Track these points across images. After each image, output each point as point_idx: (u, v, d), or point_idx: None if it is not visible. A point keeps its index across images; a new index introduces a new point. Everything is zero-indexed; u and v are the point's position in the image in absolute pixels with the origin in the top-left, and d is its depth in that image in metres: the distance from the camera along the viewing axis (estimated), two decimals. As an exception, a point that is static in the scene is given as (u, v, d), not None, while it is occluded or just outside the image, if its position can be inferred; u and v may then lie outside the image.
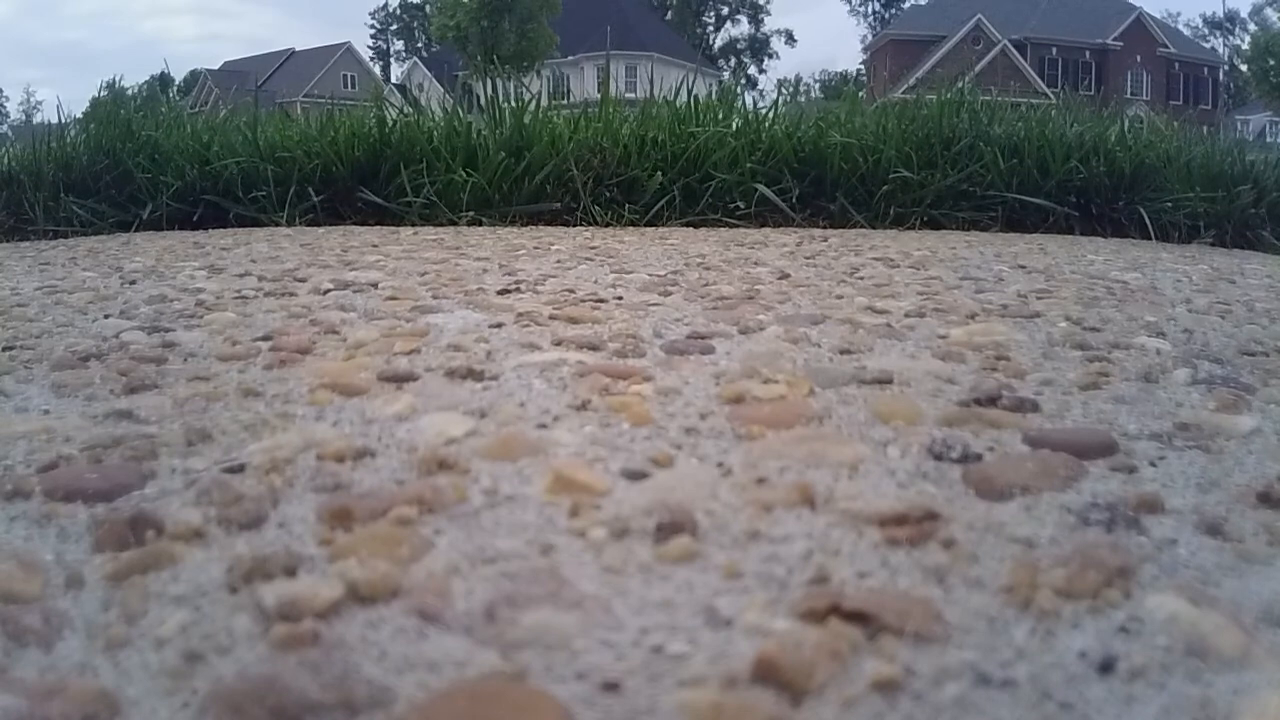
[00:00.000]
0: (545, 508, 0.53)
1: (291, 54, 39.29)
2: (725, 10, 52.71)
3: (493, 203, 2.83)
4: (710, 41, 52.42)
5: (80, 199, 2.88)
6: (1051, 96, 4.69)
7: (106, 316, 1.16)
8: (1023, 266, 1.79)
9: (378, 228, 2.71)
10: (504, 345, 0.95)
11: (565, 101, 3.97)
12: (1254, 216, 3.12)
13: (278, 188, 2.87)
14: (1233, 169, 3.21)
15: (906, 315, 1.16)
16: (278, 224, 2.80)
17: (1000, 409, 0.73)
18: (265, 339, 1.00)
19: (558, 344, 0.96)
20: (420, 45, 48.60)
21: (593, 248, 2.03)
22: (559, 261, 1.74)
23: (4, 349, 0.96)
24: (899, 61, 32.69)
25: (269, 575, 0.45)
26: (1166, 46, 34.99)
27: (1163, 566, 0.47)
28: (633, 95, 3.89)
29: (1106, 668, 0.38)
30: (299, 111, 4.13)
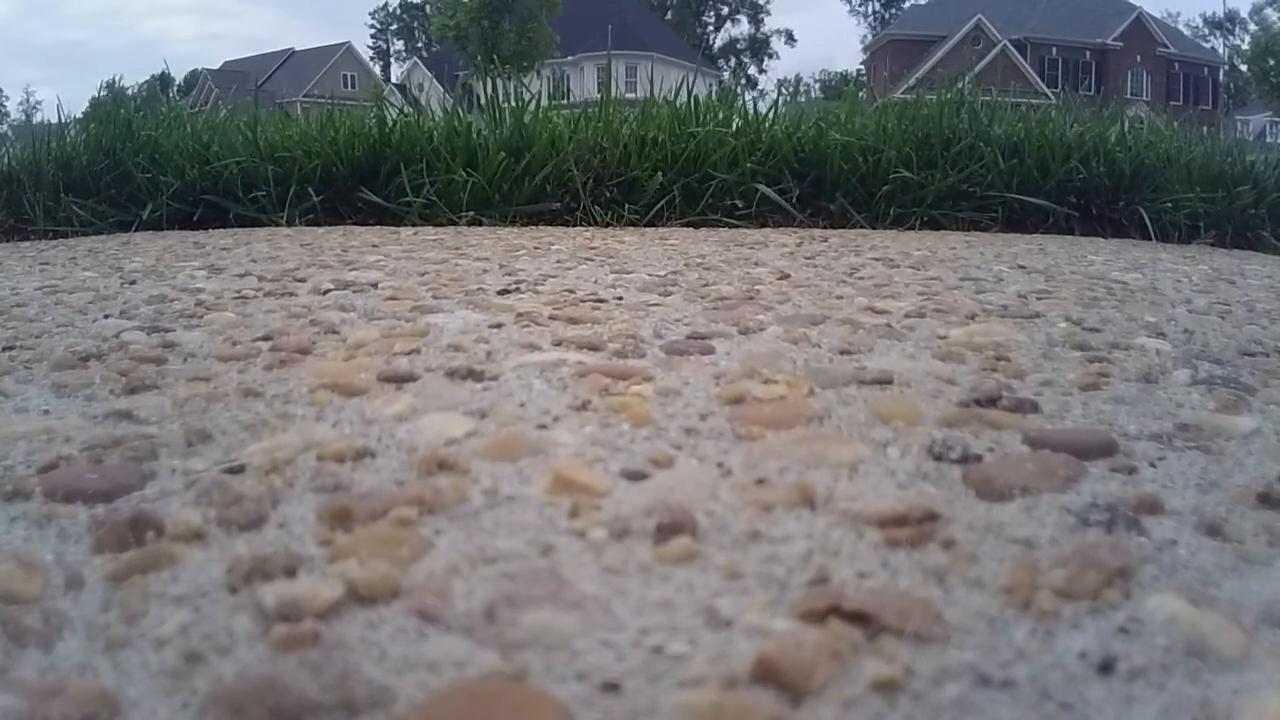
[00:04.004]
0: (545, 508, 0.53)
1: (291, 54, 39.29)
2: (725, 10, 52.73)
3: (493, 203, 2.83)
4: (710, 41, 52.43)
5: (80, 199, 2.88)
6: (1051, 96, 4.68)
7: (106, 316, 1.16)
8: (1023, 267, 1.79)
9: (378, 228, 2.71)
10: (504, 345, 0.95)
11: (565, 101, 3.96)
12: (1254, 217, 3.12)
13: (278, 188, 2.87)
14: (1233, 169, 3.21)
15: (906, 315, 1.16)
16: (278, 224, 2.80)
17: (1000, 409, 0.73)
18: (265, 339, 1.00)
19: (558, 344, 0.96)
20: (420, 45, 48.61)
21: (593, 248, 2.03)
22: (559, 261, 1.74)
23: (4, 349, 0.96)
24: (899, 61, 32.69)
25: (269, 576, 0.45)
26: (1166, 46, 34.98)
27: (1162, 567, 0.47)
28: (633, 95, 3.89)
29: (1106, 668, 0.38)
30: (299, 111, 4.13)
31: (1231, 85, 37.68)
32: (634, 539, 0.49)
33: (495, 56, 15.50)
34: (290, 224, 2.79)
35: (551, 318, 1.11)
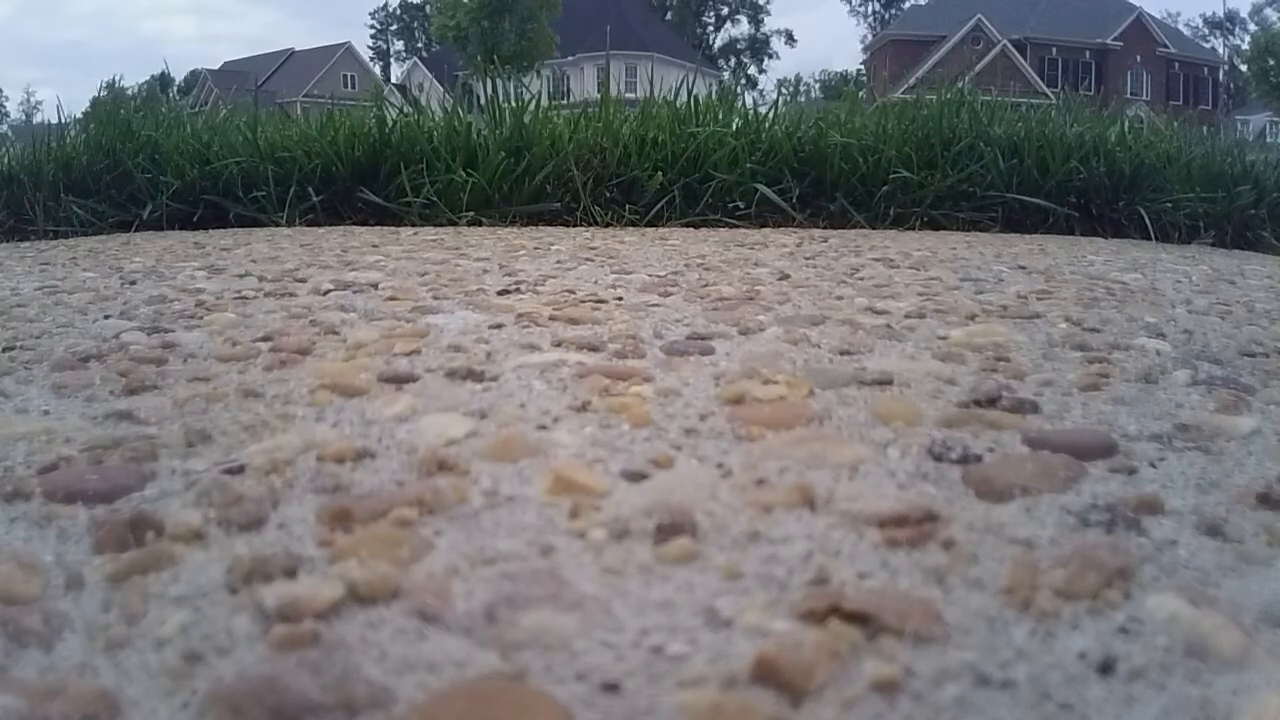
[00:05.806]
0: (545, 509, 0.53)
1: (291, 54, 39.30)
2: (725, 10, 52.75)
3: (493, 203, 2.83)
4: (710, 41, 52.45)
5: (80, 199, 2.88)
6: (1051, 96, 4.68)
7: (106, 317, 1.16)
8: (1023, 267, 1.79)
9: (378, 228, 2.71)
10: (504, 346, 0.95)
11: (565, 101, 3.96)
12: (1254, 217, 3.12)
13: (278, 188, 2.87)
14: (1233, 169, 3.21)
15: (906, 316, 1.16)
16: (278, 224, 2.80)
17: (1000, 410, 0.73)
18: (265, 340, 1.00)
19: (558, 345, 0.96)
20: (420, 45, 48.64)
21: (593, 248, 2.03)
22: (559, 262, 1.74)
23: (4, 349, 0.96)
24: (899, 62, 32.69)
25: (269, 576, 0.45)
26: (1166, 46, 34.98)
27: (1163, 567, 0.47)
28: (633, 95, 3.89)
29: (1106, 668, 0.38)
30: (299, 111, 4.13)
31: (1231, 85, 37.67)
32: (634, 539, 0.49)
33: (495, 57, 15.49)
34: (290, 224, 2.79)
35: (551, 318, 1.11)
